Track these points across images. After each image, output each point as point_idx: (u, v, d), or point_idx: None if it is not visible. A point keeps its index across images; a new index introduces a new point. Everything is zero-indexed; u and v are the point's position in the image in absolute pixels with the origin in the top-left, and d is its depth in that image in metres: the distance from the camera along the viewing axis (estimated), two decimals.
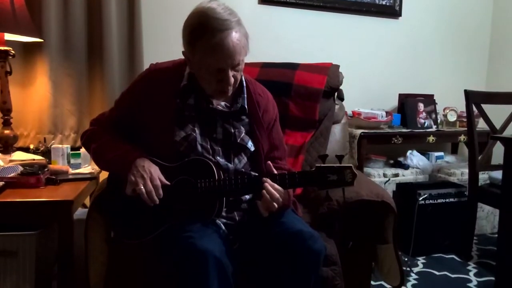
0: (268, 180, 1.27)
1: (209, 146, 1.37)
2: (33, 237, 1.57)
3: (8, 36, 1.96)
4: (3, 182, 1.58)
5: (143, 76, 1.48)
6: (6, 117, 1.98)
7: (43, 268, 1.65)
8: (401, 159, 2.97)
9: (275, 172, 1.31)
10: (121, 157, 1.33)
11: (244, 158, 1.42)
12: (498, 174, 2.39)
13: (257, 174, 1.37)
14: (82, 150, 1.99)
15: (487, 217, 2.96)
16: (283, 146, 1.57)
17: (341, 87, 2.11)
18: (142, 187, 1.25)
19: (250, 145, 1.42)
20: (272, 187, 1.26)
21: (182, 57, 1.36)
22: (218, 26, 1.22)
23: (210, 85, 1.33)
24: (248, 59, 1.36)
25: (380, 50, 3.14)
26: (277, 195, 1.26)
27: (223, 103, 1.42)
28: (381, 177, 2.76)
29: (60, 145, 1.99)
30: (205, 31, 1.23)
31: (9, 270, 1.56)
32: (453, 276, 2.33)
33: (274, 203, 1.26)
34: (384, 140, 2.80)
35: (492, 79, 3.45)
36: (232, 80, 1.29)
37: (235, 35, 1.24)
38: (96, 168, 1.84)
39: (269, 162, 1.35)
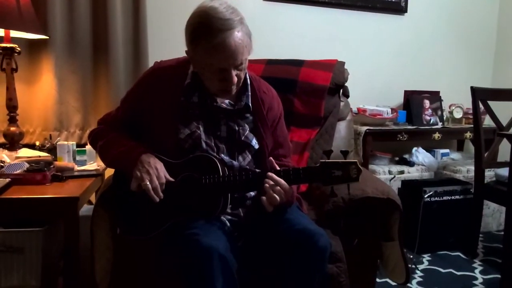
0: (271, 173, 1.26)
1: (213, 144, 1.38)
2: (39, 233, 1.57)
3: (14, 33, 1.97)
4: (10, 179, 1.59)
5: (147, 74, 1.48)
6: (12, 114, 1.99)
7: (49, 264, 1.66)
8: (406, 156, 2.96)
9: (277, 167, 1.30)
10: (126, 153, 1.33)
11: (248, 155, 1.42)
12: (504, 171, 2.37)
13: (261, 171, 1.36)
14: (88, 147, 2.00)
15: (493, 215, 2.95)
16: (287, 143, 1.57)
17: (346, 84, 2.10)
18: (148, 183, 1.25)
19: (254, 142, 1.42)
20: (273, 180, 1.25)
21: None
22: (219, 26, 1.21)
23: (213, 84, 1.32)
24: (253, 56, 1.35)
25: (386, 46, 3.12)
26: (278, 187, 1.24)
27: (227, 101, 1.42)
28: (386, 174, 2.75)
29: (66, 142, 2.00)
30: (206, 31, 1.22)
31: (16, 265, 1.57)
32: (458, 273, 2.33)
33: (276, 196, 1.24)
34: (389, 137, 2.79)
35: (499, 75, 3.42)
36: (235, 79, 1.28)
37: (237, 35, 1.23)
38: (102, 164, 1.85)
39: (271, 158, 1.34)
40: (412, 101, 2.98)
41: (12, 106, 1.98)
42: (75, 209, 1.53)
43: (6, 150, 1.96)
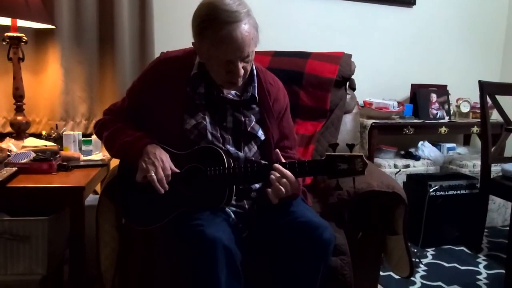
0: (277, 165, 1.26)
1: (219, 135, 1.37)
2: (45, 222, 1.59)
3: (21, 23, 1.97)
4: (16, 168, 1.60)
5: (153, 65, 1.47)
6: (18, 104, 2.00)
7: (55, 252, 1.68)
8: (412, 150, 2.94)
9: (283, 160, 1.30)
10: (131, 144, 1.34)
11: (254, 147, 1.42)
12: (510, 167, 2.36)
13: (267, 163, 1.36)
14: (93, 137, 2.00)
15: (498, 210, 2.93)
16: (293, 135, 1.56)
17: (353, 77, 2.09)
18: (153, 175, 1.25)
19: (260, 134, 1.42)
20: (280, 172, 1.24)
21: None
22: (226, 18, 1.20)
23: (219, 76, 1.32)
24: (260, 47, 1.34)
25: (393, 39, 3.09)
26: (284, 179, 1.24)
27: (233, 92, 1.41)
28: (391, 168, 2.74)
29: (72, 132, 2.01)
30: (213, 23, 1.21)
31: (22, 254, 1.58)
32: (462, 268, 2.32)
33: (282, 188, 1.23)
34: (395, 131, 2.78)
35: (507, 70, 3.39)
36: (241, 71, 1.28)
37: (244, 27, 1.22)
38: (107, 154, 1.85)
39: (277, 150, 1.34)
40: (419, 94, 2.96)
41: (18, 95, 1.99)
42: (81, 198, 1.53)
43: (13, 139, 1.98)
